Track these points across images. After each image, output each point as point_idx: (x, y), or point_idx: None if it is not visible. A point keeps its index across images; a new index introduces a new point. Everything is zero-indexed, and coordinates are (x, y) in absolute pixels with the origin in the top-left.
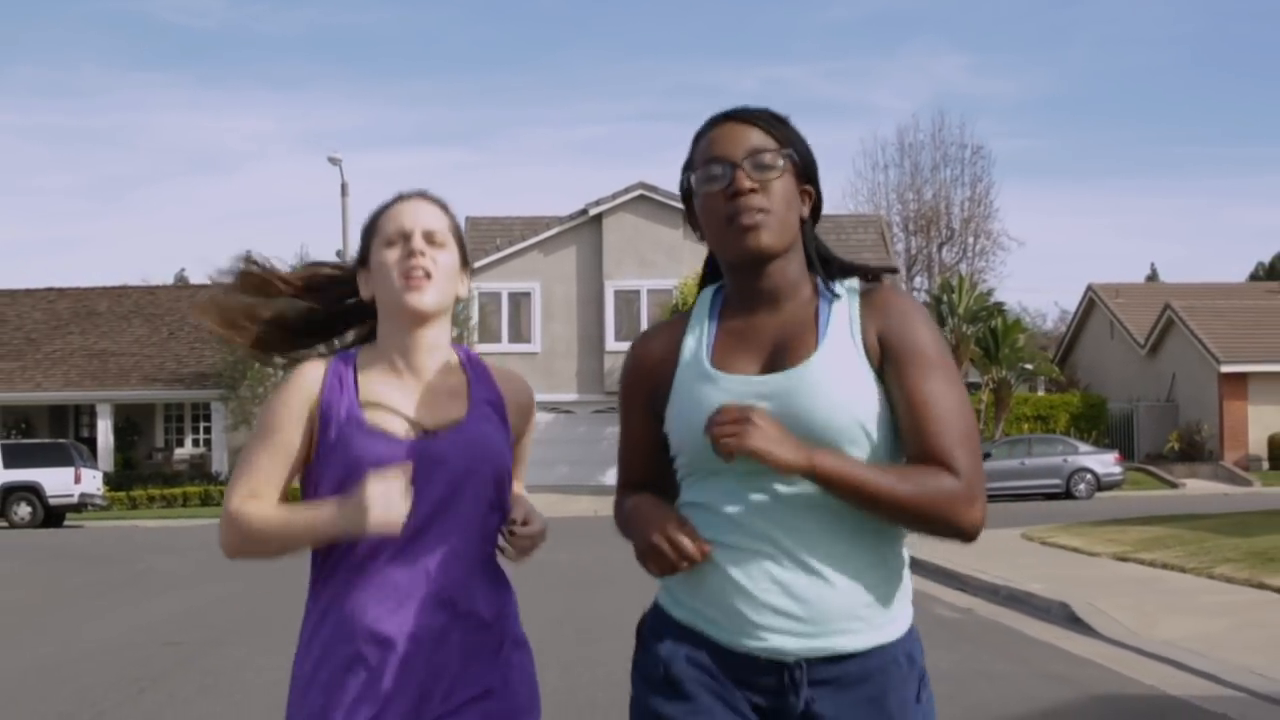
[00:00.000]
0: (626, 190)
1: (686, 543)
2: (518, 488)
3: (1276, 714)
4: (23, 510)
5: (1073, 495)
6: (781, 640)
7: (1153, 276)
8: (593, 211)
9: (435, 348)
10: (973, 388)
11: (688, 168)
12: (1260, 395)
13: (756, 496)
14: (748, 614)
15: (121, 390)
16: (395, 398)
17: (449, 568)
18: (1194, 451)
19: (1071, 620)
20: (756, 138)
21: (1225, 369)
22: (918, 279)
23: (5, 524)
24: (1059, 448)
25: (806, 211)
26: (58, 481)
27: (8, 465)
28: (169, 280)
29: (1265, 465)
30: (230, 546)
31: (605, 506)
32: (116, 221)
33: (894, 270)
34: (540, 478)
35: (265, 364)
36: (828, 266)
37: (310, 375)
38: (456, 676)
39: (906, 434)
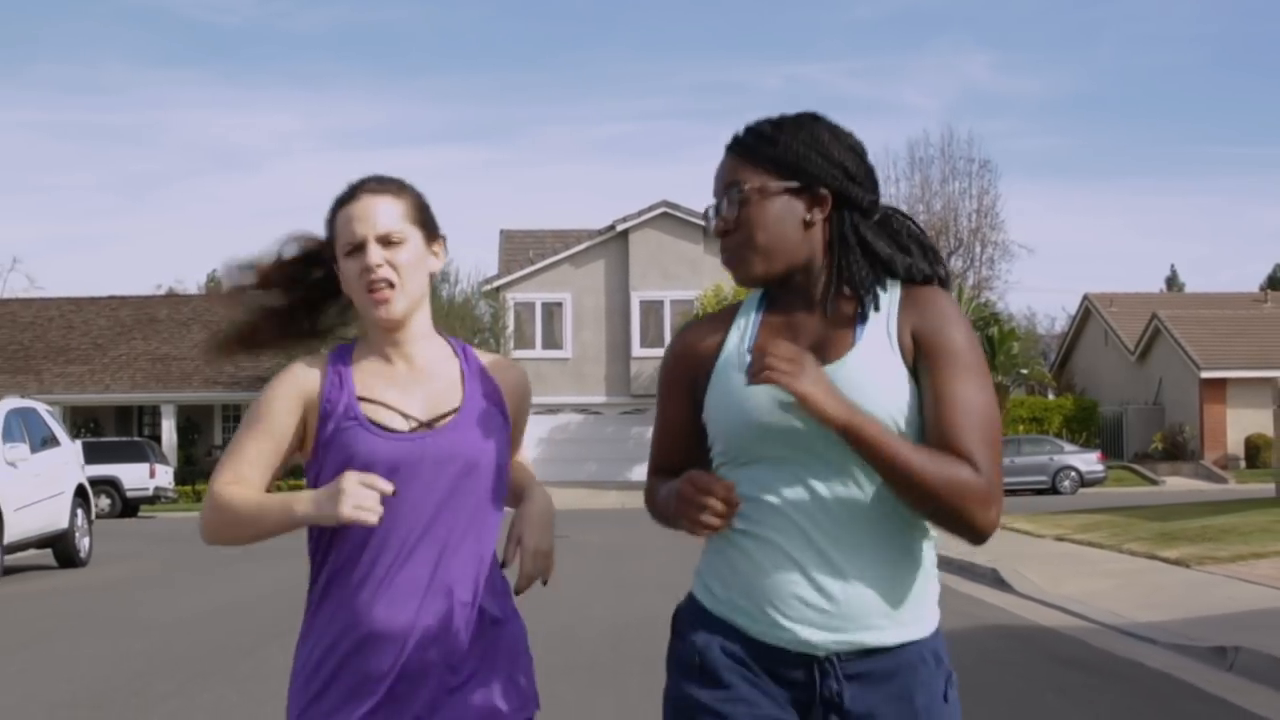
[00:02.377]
0: (651, 208)
1: (708, 479)
2: (523, 467)
3: (1111, 636)
4: (103, 502)
5: (1058, 490)
6: (810, 632)
7: (1172, 277)
8: (620, 227)
9: (421, 335)
10: None
11: None
12: (1238, 399)
13: (790, 489)
14: (777, 605)
15: (184, 392)
16: (391, 391)
17: (450, 562)
18: (1177, 451)
19: (997, 581)
20: (731, 171)
21: (1205, 375)
22: None
23: None
24: (1046, 447)
25: (818, 215)
26: (134, 476)
27: (88, 461)
28: (201, 280)
29: (1242, 464)
30: (209, 528)
31: (632, 500)
32: (141, 219)
33: (945, 279)
34: (571, 474)
35: (269, 356)
36: (873, 262)
37: (308, 370)
38: (456, 671)
39: (932, 430)
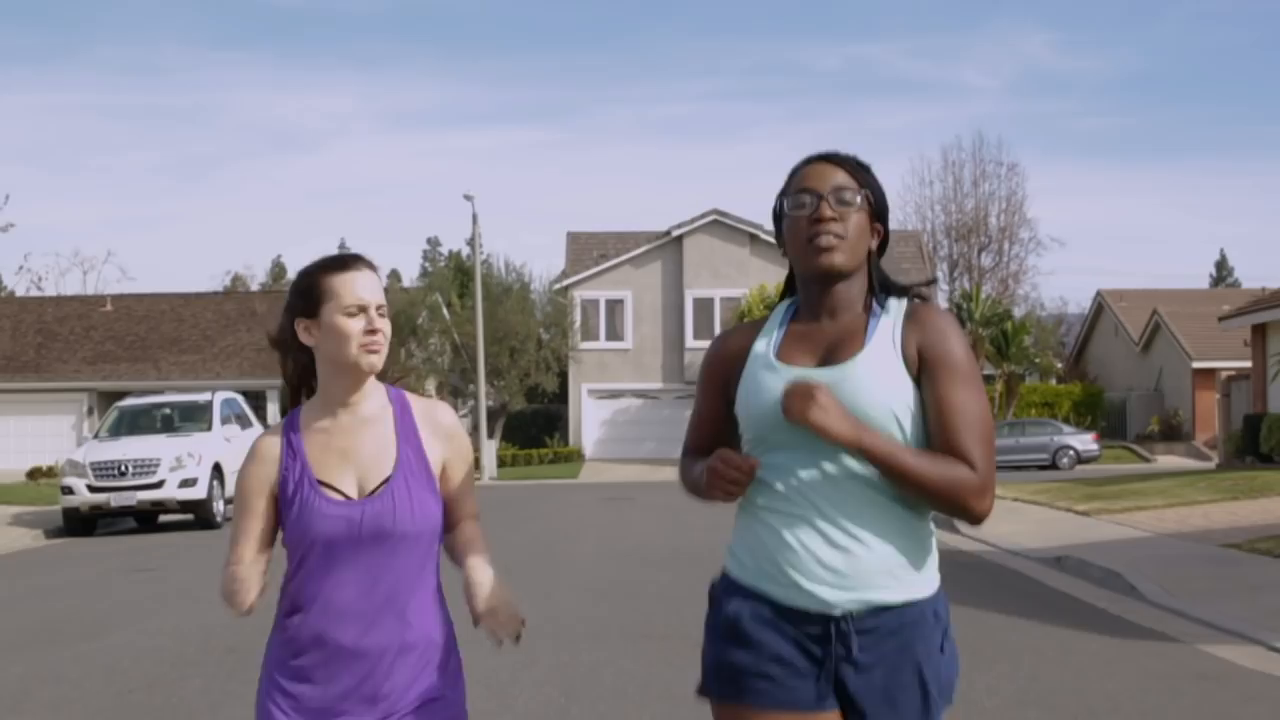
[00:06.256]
0: (703, 215)
1: (735, 457)
2: (477, 559)
3: (1003, 555)
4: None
5: (1057, 466)
6: (827, 593)
7: (1221, 261)
8: (675, 233)
9: (372, 389)
10: (988, 379)
11: (782, 194)
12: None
13: (806, 471)
14: (799, 571)
15: None
16: (336, 461)
17: (393, 598)
18: (1172, 433)
19: (948, 524)
20: (841, 177)
21: (1196, 365)
22: (964, 279)
23: None
24: (1048, 429)
25: (875, 245)
26: None
27: None
28: (268, 266)
29: None
30: (223, 595)
31: None
32: (199, 201)
33: (932, 281)
34: (632, 452)
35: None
36: (885, 289)
37: (269, 449)
38: (398, 687)
39: (935, 432)
